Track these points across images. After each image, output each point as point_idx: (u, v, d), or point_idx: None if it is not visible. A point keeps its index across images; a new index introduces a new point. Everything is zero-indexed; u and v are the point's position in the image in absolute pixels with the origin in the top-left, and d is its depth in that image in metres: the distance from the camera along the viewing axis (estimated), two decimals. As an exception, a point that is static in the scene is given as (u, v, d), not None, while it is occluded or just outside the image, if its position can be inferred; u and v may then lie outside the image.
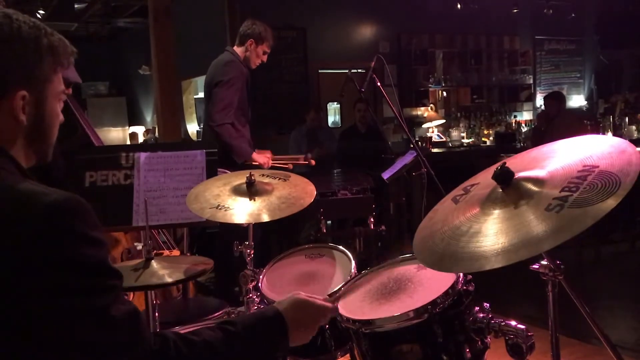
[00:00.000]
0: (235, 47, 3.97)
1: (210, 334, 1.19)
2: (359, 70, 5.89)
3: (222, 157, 3.59)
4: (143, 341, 1.05)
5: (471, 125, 8.56)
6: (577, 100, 9.93)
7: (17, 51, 1.08)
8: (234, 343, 1.20)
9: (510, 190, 1.28)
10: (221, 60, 3.93)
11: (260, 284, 2.03)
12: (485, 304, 1.56)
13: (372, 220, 3.61)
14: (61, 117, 1.21)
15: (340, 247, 2.12)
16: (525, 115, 9.25)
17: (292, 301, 1.37)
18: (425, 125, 8.28)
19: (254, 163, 3.75)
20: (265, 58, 4.01)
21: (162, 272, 1.89)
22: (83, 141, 3.16)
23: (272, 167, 3.78)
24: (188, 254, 3.27)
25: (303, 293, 1.40)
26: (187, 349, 1.13)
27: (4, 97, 1.08)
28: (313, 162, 4.16)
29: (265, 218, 1.94)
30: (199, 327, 1.22)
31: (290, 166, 3.92)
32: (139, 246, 2.18)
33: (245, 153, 3.77)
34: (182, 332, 1.58)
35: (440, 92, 8.69)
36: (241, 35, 3.95)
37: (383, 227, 3.61)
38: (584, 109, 9.77)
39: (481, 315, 1.52)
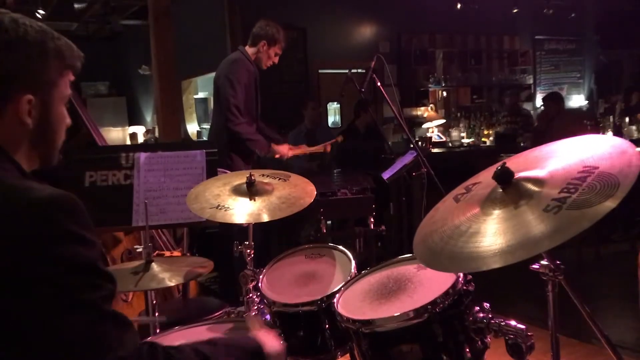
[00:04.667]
0: (247, 47, 3.99)
1: (194, 348, 1.19)
2: (359, 70, 5.88)
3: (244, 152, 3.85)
4: (130, 343, 1.03)
5: (471, 125, 8.56)
6: (577, 100, 9.92)
7: (22, 55, 1.09)
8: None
9: (510, 190, 1.29)
10: (229, 59, 3.98)
11: (260, 284, 2.03)
12: (485, 303, 1.56)
13: (372, 220, 3.61)
14: (68, 120, 1.21)
15: (340, 247, 2.12)
16: (526, 115, 9.24)
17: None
18: (425, 125, 8.27)
19: (275, 155, 3.94)
20: (276, 60, 4.04)
21: (162, 275, 1.89)
22: (86, 140, 3.17)
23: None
24: (188, 254, 3.27)
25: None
26: (177, 354, 1.12)
27: (10, 101, 1.08)
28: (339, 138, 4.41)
29: (265, 218, 1.95)
30: (184, 343, 1.22)
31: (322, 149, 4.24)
32: (140, 248, 2.18)
33: (265, 145, 3.90)
34: (183, 331, 1.59)
35: (440, 92, 8.69)
36: (254, 35, 3.96)
37: (383, 227, 3.61)
38: (584, 109, 9.76)
39: (481, 315, 1.53)
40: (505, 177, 1.29)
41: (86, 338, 0.97)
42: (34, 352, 0.96)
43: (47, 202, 0.98)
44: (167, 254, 3.17)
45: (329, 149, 4.35)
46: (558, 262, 1.38)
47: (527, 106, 9.37)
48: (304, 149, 4.28)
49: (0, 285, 0.94)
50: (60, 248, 0.97)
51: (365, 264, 1.99)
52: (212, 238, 4.30)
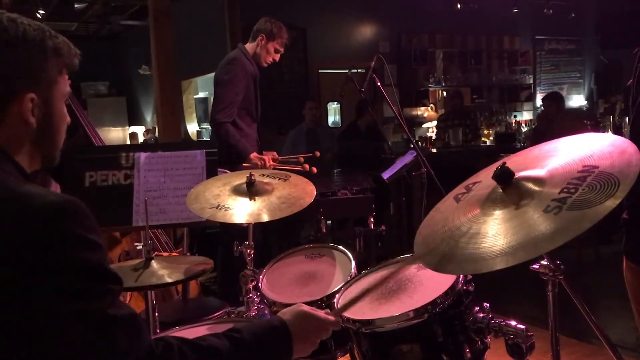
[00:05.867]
0: (247, 44, 3.91)
1: (216, 341, 1.16)
2: (359, 70, 5.89)
3: (223, 156, 3.59)
4: (142, 345, 1.03)
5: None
6: (577, 100, 9.93)
7: (23, 54, 1.08)
8: (240, 350, 1.18)
9: (511, 190, 1.28)
10: (227, 58, 3.89)
11: (260, 284, 2.03)
12: (485, 304, 1.56)
13: (372, 220, 3.61)
14: (68, 118, 1.21)
15: (340, 247, 2.12)
16: (525, 115, 9.24)
17: (295, 313, 1.34)
18: (425, 125, 8.28)
19: (245, 164, 3.60)
20: (277, 57, 3.94)
21: (162, 272, 1.89)
22: (84, 141, 3.17)
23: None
24: (188, 254, 3.27)
25: (306, 306, 1.38)
26: (192, 353, 1.10)
27: (13, 100, 1.08)
28: (315, 170, 3.79)
29: (265, 218, 1.94)
30: (204, 335, 1.19)
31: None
32: (139, 246, 2.18)
33: (244, 152, 3.67)
34: (183, 332, 1.58)
35: (440, 92, 8.69)
36: (254, 31, 3.90)
37: (383, 227, 3.61)
38: (584, 109, 9.76)
39: (481, 315, 1.53)
40: (505, 177, 1.29)
41: (95, 347, 0.97)
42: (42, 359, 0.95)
43: (52, 208, 0.97)
44: (166, 254, 3.16)
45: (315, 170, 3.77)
46: (558, 262, 1.38)
47: (527, 106, 9.37)
48: (285, 165, 3.74)
49: (5, 293, 0.93)
50: (69, 255, 0.96)
51: (365, 264, 1.99)
52: (213, 238, 4.30)
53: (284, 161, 3.78)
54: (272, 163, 3.68)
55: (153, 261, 1.93)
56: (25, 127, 1.10)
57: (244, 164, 3.59)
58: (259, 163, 3.64)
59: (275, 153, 3.83)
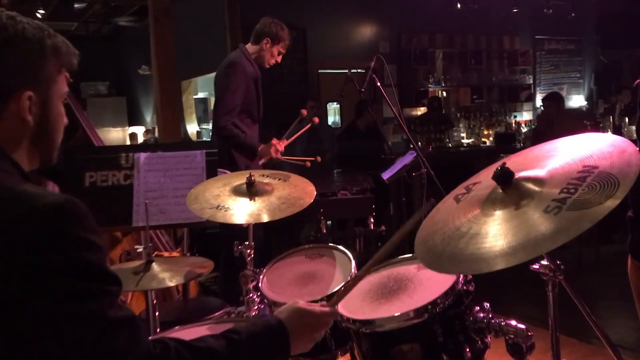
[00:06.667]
0: (249, 45, 3.85)
1: (213, 342, 1.17)
2: (359, 70, 5.89)
3: (224, 157, 3.59)
4: (141, 347, 1.03)
5: (471, 126, 8.56)
6: (577, 101, 9.92)
7: (22, 52, 1.08)
8: (237, 351, 1.18)
9: (511, 190, 1.28)
10: (227, 61, 3.83)
11: (260, 284, 2.03)
12: (485, 303, 1.56)
13: (372, 220, 3.61)
14: (65, 119, 1.21)
15: (340, 247, 2.12)
16: (525, 116, 9.24)
17: (291, 310, 1.34)
18: (425, 125, 8.25)
19: (260, 162, 3.63)
20: (279, 59, 3.90)
21: (163, 275, 1.89)
22: (83, 141, 3.17)
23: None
24: (188, 254, 3.27)
25: (301, 301, 1.38)
26: (189, 355, 1.10)
27: (11, 98, 1.08)
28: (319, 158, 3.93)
29: (265, 218, 1.95)
30: (202, 335, 1.20)
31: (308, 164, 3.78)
32: (140, 249, 2.19)
33: (252, 147, 3.67)
34: (183, 331, 1.58)
35: (440, 92, 8.69)
36: (257, 32, 3.82)
37: (383, 227, 3.61)
38: (584, 109, 9.76)
39: (481, 315, 1.53)
40: (505, 178, 1.29)
41: (94, 349, 0.97)
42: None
43: (51, 209, 0.97)
44: (166, 254, 3.17)
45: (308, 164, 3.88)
46: (558, 262, 1.38)
47: (527, 106, 9.37)
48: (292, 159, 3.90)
49: (4, 294, 0.93)
50: (69, 256, 0.96)
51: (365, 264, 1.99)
52: (212, 238, 4.30)
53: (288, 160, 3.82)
54: (281, 147, 3.68)
55: (154, 264, 1.93)
56: (23, 126, 1.10)
57: (259, 162, 3.63)
58: (271, 150, 3.65)
59: (275, 139, 3.78)
